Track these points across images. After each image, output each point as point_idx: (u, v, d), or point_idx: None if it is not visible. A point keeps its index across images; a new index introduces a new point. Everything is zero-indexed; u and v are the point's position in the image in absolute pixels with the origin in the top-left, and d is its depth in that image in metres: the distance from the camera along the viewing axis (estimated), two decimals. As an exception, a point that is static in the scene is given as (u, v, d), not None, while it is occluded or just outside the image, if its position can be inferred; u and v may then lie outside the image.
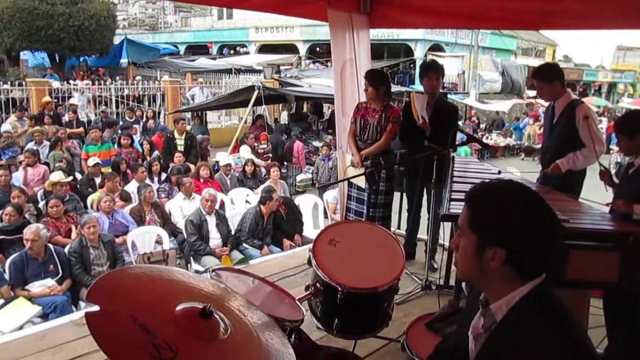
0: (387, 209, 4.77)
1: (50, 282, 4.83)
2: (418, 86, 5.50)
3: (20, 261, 4.77)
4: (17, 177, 7.72)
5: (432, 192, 4.36)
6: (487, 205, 1.39)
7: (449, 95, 18.05)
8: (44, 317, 4.51)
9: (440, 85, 4.73)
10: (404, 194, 5.07)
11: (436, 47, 26.45)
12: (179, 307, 1.39)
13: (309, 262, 2.42)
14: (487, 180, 1.50)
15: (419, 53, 25.28)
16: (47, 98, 12.69)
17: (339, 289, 2.27)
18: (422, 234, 5.10)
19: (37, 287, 4.74)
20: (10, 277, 4.72)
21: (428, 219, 4.67)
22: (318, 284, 2.38)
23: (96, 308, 1.31)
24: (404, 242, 5.07)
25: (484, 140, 16.57)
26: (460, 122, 16.73)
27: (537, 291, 1.36)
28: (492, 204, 1.39)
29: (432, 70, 4.56)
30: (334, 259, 2.40)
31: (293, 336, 2.09)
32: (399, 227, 5.77)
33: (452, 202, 3.21)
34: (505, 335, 1.37)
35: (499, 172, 4.07)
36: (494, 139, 18.16)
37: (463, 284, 3.56)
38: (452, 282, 4.02)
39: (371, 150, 4.50)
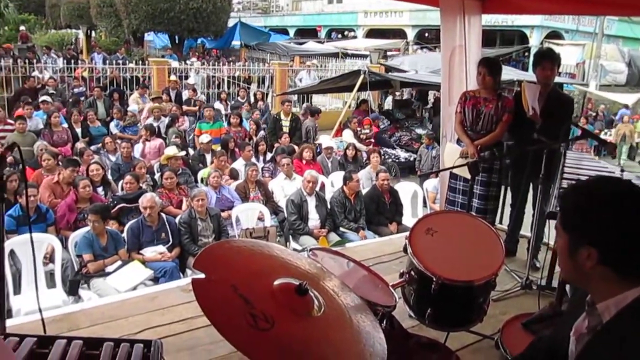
0: (496, 202, 4.65)
1: (161, 248, 5.19)
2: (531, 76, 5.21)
3: (136, 227, 5.19)
4: (137, 150, 8.37)
5: (539, 188, 4.16)
6: (576, 204, 1.35)
7: (565, 86, 16.86)
8: (155, 280, 4.87)
9: (555, 75, 4.47)
10: (508, 188, 4.89)
11: (554, 35, 24.78)
12: (276, 282, 1.45)
13: (405, 250, 2.41)
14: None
15: (535, 41, 23.82)
16: (173, 77, 13.53)
17: (434, 279, 2.25)
18: (525, 231, 4.89)
19: (150, 252, 5.13)
20: (128, 241, 5.14)
21: (533, 215, 4.47)
22: (413, 272, 2.37)
23: (201, 276, 1.41)
24: (505, 237, 4.89)
25: (602, 136, 15.35)
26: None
27: None
28: (580, 202, 1.35)
29: (547, 59, 4.30)
30: (431, 249, 2.37)
31: (384, 322, 2.11)
32: (500, 222, 5.57)
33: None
34: (612, 336, 1.30)
35: (622, 171, 3.76)
36: (614, 134, 16.71)
37: (567, 287, 3.38)
38: (555, 283, 3.82)
39: (486, 141, 4.36)
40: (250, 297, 1.36)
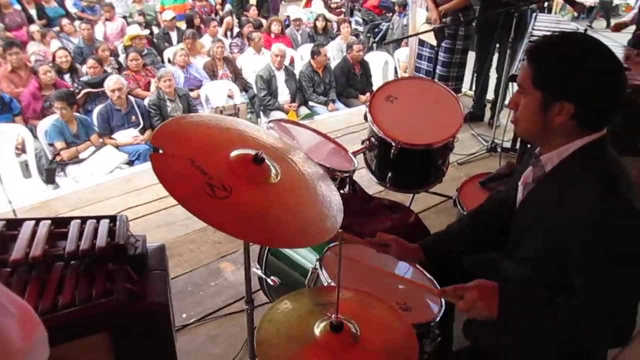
0: (462, 69, 4.64)
1: (133, 132, 5.17)
2: None
3: (105, 112, 5.11)
4: (99, 31, 7.98)
5: (507, 52, 4.16)
6: (553, 60, 1.33)
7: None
8: (130, 163, 4.92)
9: None
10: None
11: None
12: (233, 153, 1.50)
13: (365, 117, 2.46)
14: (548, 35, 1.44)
15: None
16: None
17: (393, 144, 2.32)
18: (491, 95, 4.96)
19: (122, 136, 5.11)
20: (98, 126, 5.10)
21: (497, 78, 4.52)
22: (373, 139, 2.44)
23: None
24: (473, 103, 4.97)
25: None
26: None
27: (593, 145, 1.34)
28: (557, 57, 1.32)
29: None
30: (390, 115, 2.42)
31: (347, 187, 2.21)
32: (470, 89, 5.62)
33: (523, 62, 3.07)
34: (552, 185, 1.39)
35: (585, 31, 3.76)
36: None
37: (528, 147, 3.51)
38: (517, 145, 3.97)
39: (451, 7, 4.26)
40: (208, 169, 1.41)
